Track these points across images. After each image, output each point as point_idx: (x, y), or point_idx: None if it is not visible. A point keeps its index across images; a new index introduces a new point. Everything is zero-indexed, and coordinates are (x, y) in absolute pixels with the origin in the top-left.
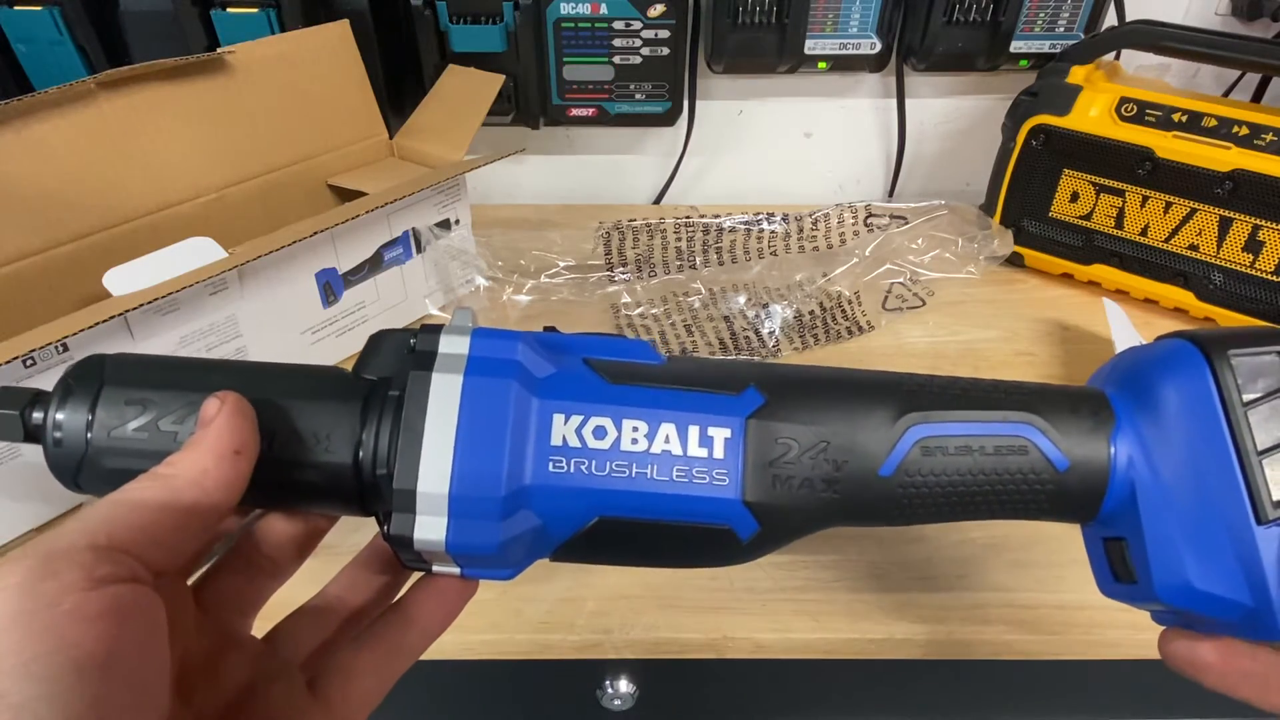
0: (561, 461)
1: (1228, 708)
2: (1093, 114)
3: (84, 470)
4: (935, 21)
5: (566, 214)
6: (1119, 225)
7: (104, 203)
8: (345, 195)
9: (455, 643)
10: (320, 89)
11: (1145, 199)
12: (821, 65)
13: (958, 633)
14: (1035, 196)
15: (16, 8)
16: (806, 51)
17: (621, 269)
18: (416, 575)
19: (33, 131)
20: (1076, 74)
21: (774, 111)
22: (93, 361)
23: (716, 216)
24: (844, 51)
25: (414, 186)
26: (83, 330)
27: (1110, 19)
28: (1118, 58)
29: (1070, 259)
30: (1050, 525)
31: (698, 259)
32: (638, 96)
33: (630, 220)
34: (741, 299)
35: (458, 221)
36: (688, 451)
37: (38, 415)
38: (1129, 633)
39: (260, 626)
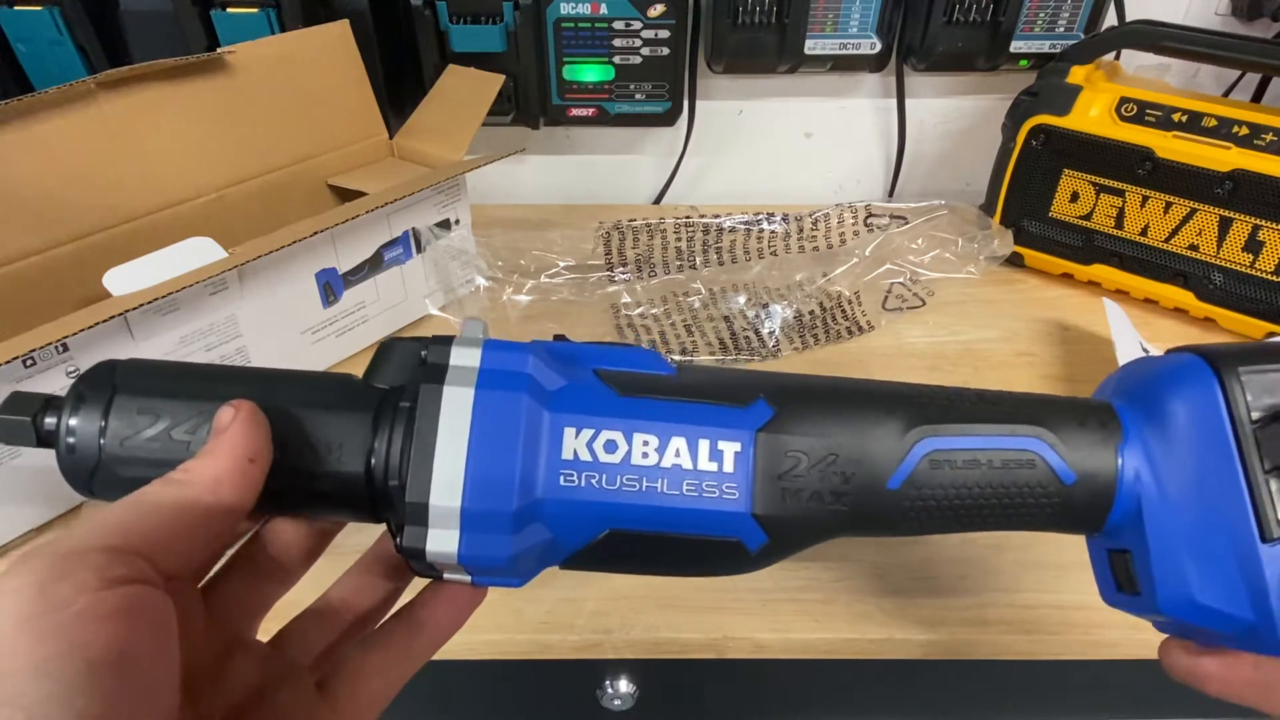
0: (573, 475)
1: (1228, 708)
2: (1093, 114)
3: (97, 477)
4: (935, 21)
5: (566, 214)
6: (1119, 225)
7: (104, 203)
8: (345, 195)
9: (456, 642)
10: (320, 89)
11: (1145, 199)
12: (822, 66)
13: (958, 633)
14: (1035, 196)
15: (16, 8)
16: (806, 51)
17: (621, 269)
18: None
19: (33, 131)
20: (1076, 74)
21: (774, 111)
22: (104, 368)
23: (716, 216)
24: (844, 51)
25: (414, 186)
26: (83, 330)
27: (1110, 19)
28: (1118, 58)
29: (1070, 259)
30: None
31: (698, 259)
32: (638, 96)
33: (630, 220)
34: (741, 299)
35: (458, 221)
36: (698, 465)
37: (50, 420)
38: (1129, 633)
39: (267, 628)
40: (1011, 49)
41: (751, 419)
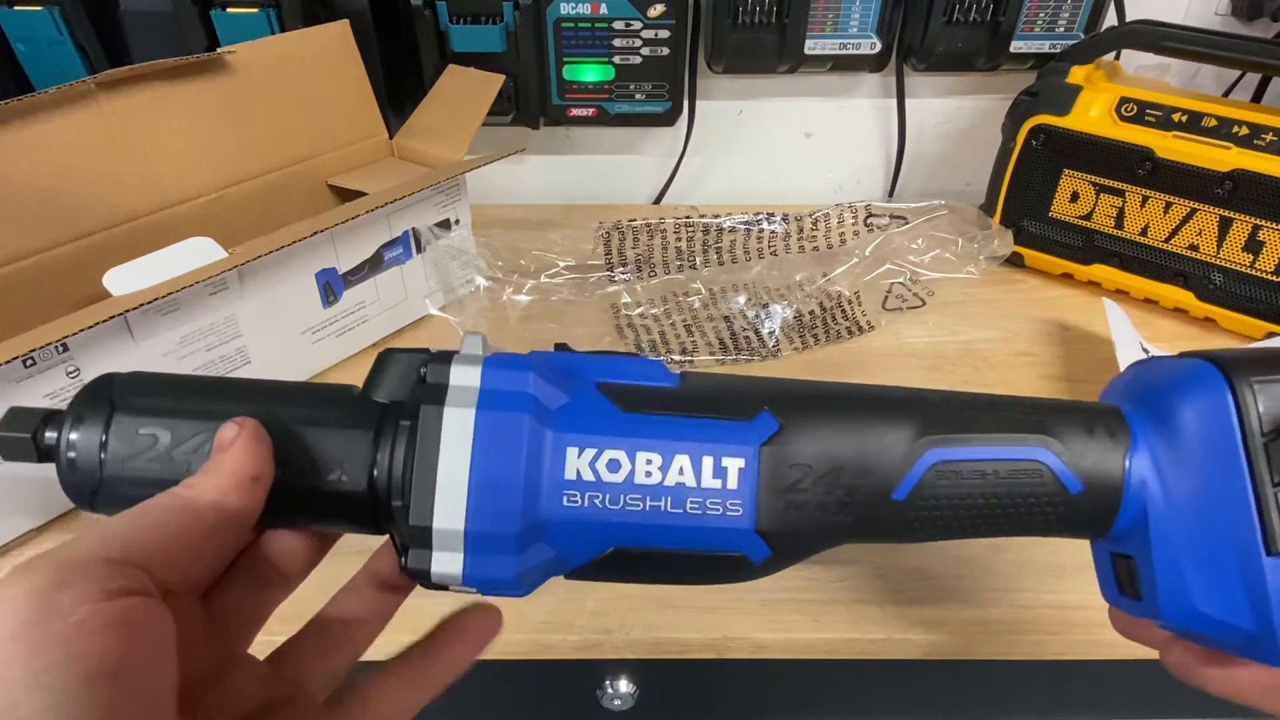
0: (576, 496)
1: (1228, 708)
2: (1093, 114)
3: (99, 495)
4: (935, 21)
5: (566, 214)
6: (1119, 225)
7: (104, 203)
8: (345, 195)
9: None
10: (320, 89)
11: (1145, 199)
12: (822, 66)
13: (958, 633)
14: (1035, 196)
15: (16, 8)
16: (806, 51)
17: (621, 269)
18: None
19: (33, 131)
20: (1076, 74)
21: (774, 111)
22: (102, 383)
23: (716, 216)
24: (844, 51)
25: (414, 186)
26: (83, 330)
27: (1110, 19)
28: (1118, 58)
29: (1070, 259)
30: None
31: (698, 259)
32: (638, 96)
33: (630, 220)
34: (741, 299)
35: (458, 221)
36: (701, 483)
37: (50, 435)
38: None
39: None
40: (1011, 49)
41: (755, 433)
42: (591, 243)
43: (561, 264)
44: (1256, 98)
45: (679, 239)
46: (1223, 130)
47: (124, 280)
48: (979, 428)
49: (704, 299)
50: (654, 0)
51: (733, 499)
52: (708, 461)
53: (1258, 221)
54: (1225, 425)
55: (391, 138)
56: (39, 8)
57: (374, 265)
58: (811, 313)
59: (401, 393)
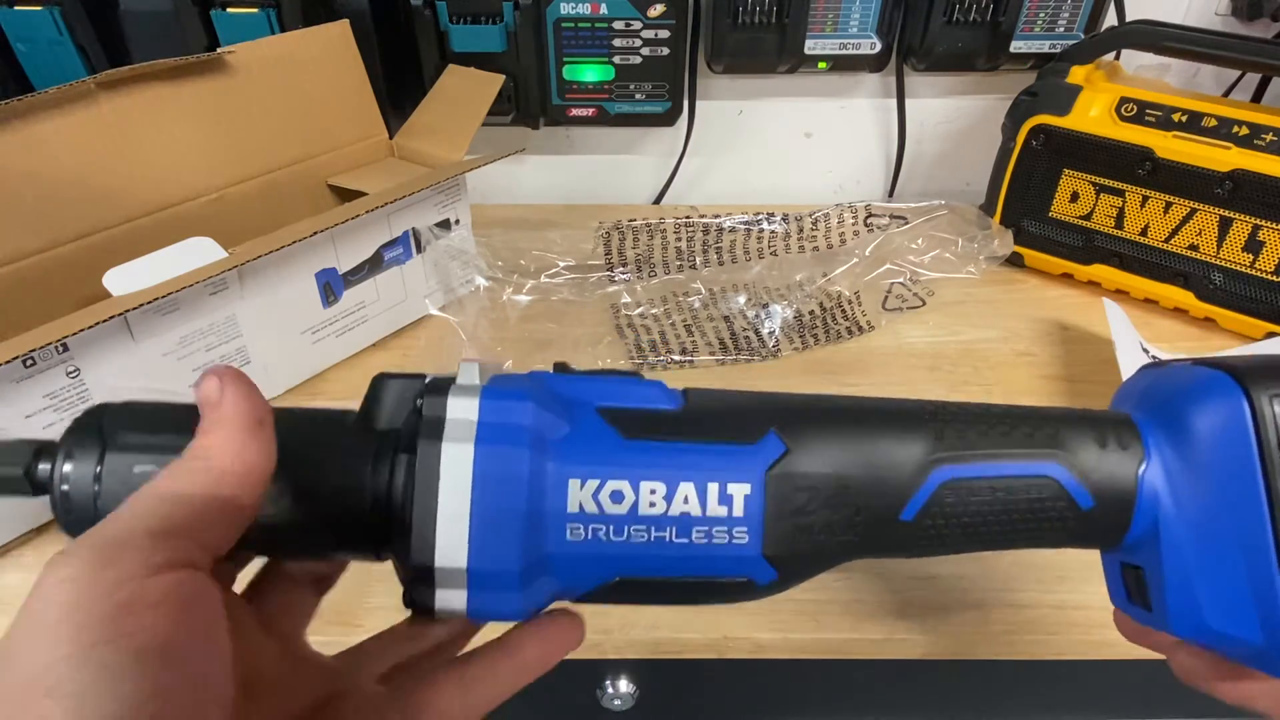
0: (579, 529)
1: (1228, 708)
2: (1093, 114)
3: None
4: (935, 21)
5: (566, 214)
6: (1119, 225)
7: (104, 203)
8: (345, 195)
9: None
10: (320, 89)
11: (1145, 199)
12: (822, 65)
13: (958, 633)
14: (1035, 196)
15: (16, 8)
16: (806, 51)
17: (621, 269)
18: None
19: (33, 131)
20: (1076, 74)
21: (774, 111)
22: (93, 418)
23: (716, 216)
24: (844, 51)
25: (414, 186)
26: (83, 330)
27: (1110, 19)
28: (1118, 58)
29: (1070, 259)
30: None
31: (698, 259)
32: (638, 96)
33: (630, 220)
34: (741, 299)
35: (458, 221)
36: (707, 511)
37: (44, 468)
38: None
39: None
40: (1011, 49)
41: (762, 458)
42: (591, 243)
43: (561, 264)
44: (1256, 98)
45: (679, 239)
46: (1223, 130)
47: (124, 280)
48: (989, 444)
49: (704, 299)
50: (654, 0)
51: (739, 526)
52: (713, 489)
53: (1258, 221)
54: (1242, 438)
55: (391, 138)
56: (39, 8)
57: (374, 265)
58: (811, 313)
59: (398, 420)
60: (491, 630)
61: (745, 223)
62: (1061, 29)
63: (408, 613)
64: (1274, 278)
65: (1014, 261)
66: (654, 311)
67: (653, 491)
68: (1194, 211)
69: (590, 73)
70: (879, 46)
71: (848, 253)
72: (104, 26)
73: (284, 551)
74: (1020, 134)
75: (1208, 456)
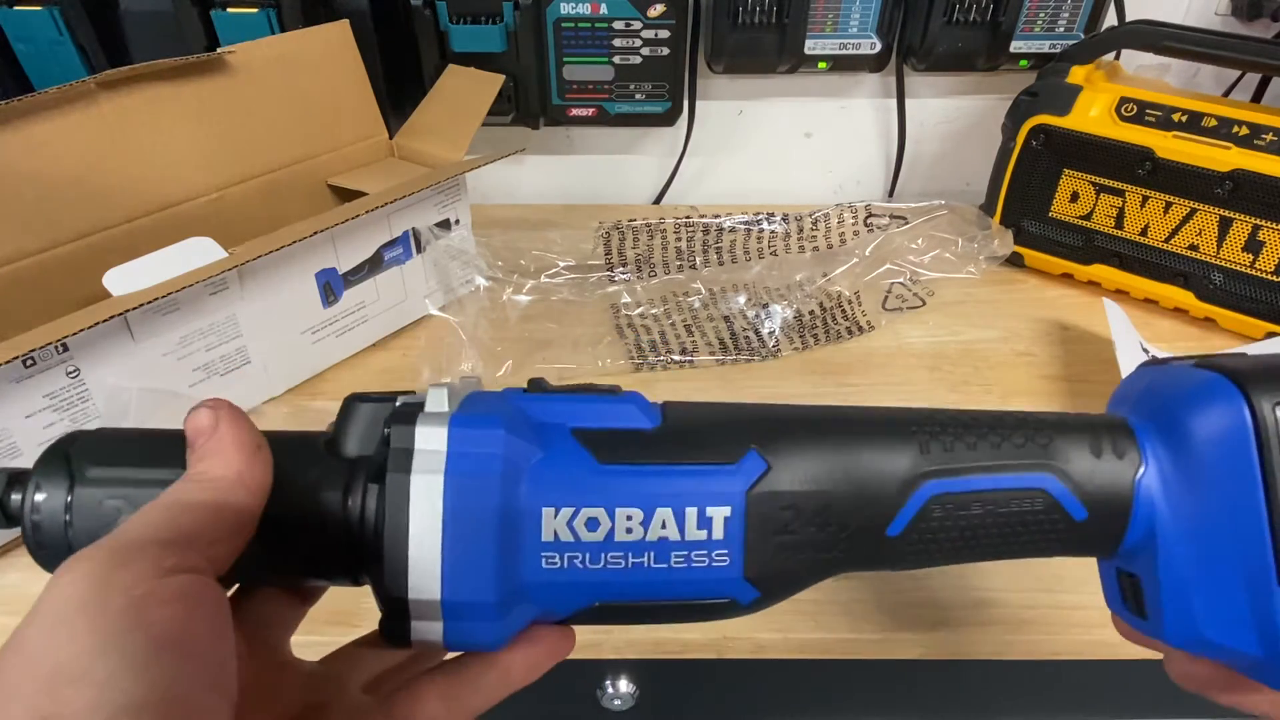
0: (555, 558)
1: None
2: (1093, 114)
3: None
4: (935, 21)
5: (566, 214)
6: (1119, 225)
7: (104, 203)
8: (345, 195)
9: None
10: (320, 89)
11: (1145, 199)
12: (822, 65)
13: (958, 633)
14: (1035, 196)
15: (16, 8)
16: (806, 51)
17: (621, 269)
18: None
19: (33, 131)
20: (1076, 74)
21: (774, 111)
22: (60, 451)
23: (716, 216)
24: (844, 51)
25: (414, 186)
26: (83, 330)
27: (1110, 19)
28: (1118, 58)
29: (1070, 259)
30: None
31: (698, 259)
32: (638, 96)
33: (630, 220)
34: (741, 299)
35: (458, 221)
36: (686, 535)
37: (15, 498)
38: None
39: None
40: (1011, 49)
41: (742, 478)
42: (591, 243)
43: (561, 264)
44: (1256, 98)
45: (679, 239)
46: (1223, 130)
47: (124, 280)
48: (978, 456)
49: (704, 299)
50: (654, 0)
51: (719, 549)
52: (691, 513)
53: (1258, 221)
54: (1242, 446)
55: (391, 138)
56: (39, 8)
57: (374, 265)
58: (811, 313)
59: (369, 445)
60: None
61: (745, 223)
62: (1061, 29)
63: None
64: (1274, 278)
65: (1014, 261)
66: (654, 311)
67: (629, 518)
68: (1194, 211)
69: (590, 73)
70: (879, 46)
71: (848, 253)
72: (104, 26)
73: (258, 579)
74: (1020, 134)
75: (1206, 464)
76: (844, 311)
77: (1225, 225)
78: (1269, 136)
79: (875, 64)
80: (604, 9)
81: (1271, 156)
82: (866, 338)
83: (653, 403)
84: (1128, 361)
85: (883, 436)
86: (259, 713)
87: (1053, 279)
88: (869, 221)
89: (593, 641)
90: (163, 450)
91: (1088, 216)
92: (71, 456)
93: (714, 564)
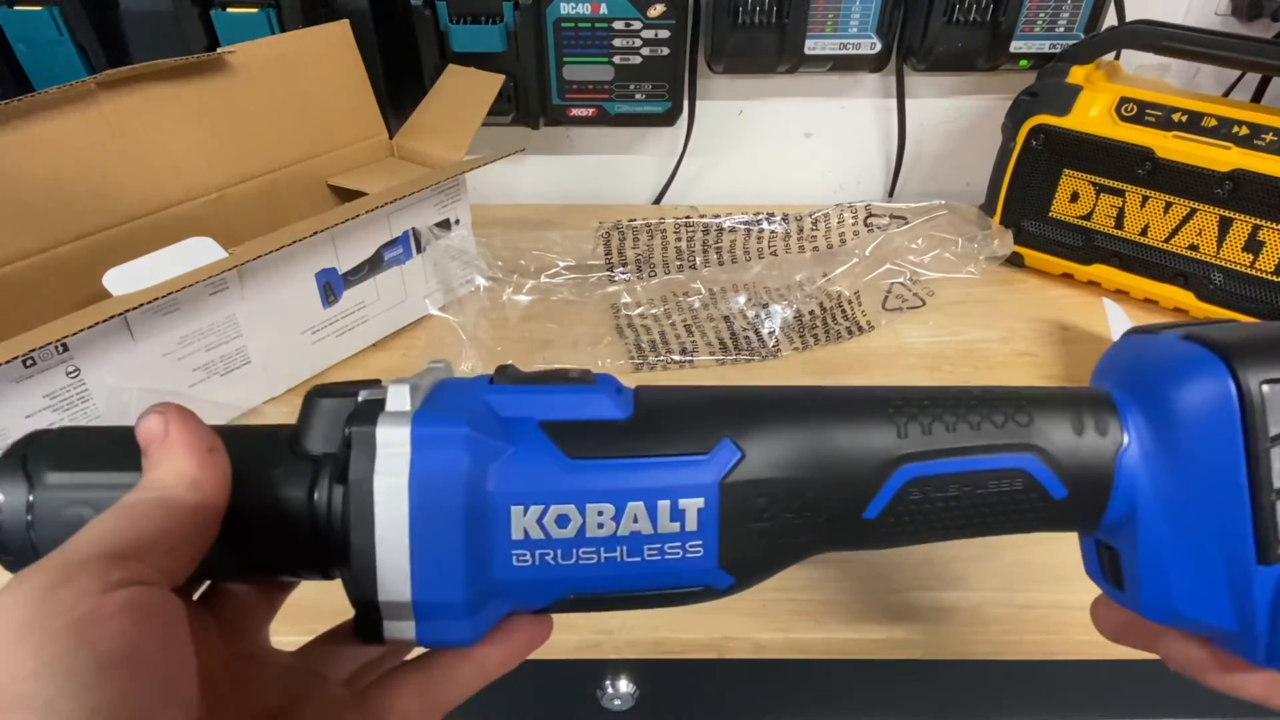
0: (525, 555)
1: (1228, 708)
2: (1093, 114)
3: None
4: (935, 21)
5: (566, 214)
6: (1119, 225)
7: (104, 203)
8: (345, 195)
9: None
10: (320, 89)
11: (1145, 199)
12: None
13: (958, 633)
14: (1035, 196)
15: (16, 8)
16: (806, 51)
17: (621, 269)
18: None
19: (33, 131)
20: (1076, 74)
21: (774, 111)
22: (15, 456)
23: (716, 216)
24: (844, 51)
25: (414, 186)
26: (83, 330)
27: (1110, 19)
28: (1118, 58)
29: (1070, 259)
30: None
31: (698, 259)
32: (638, 96)
33: (630, 220)
34: (741, 299)
35: (458, 221)
36: (658, 528)
37: None
38: None
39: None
40: (1011, 49)
41: (715, 467)
42: (591, 243)
43: (561, 264)
44: (1256, 98)
45: (679, 239)
46: (1223, 130)
47: (124, 280)
48: (956, 438)
49: (704, 299)
50: (654, 0)
51: (693, 540)
52: (664, 506)
53: (1258, 221)
54: (1227, 424)
55: (391, 138)
56: (39, 8)
57: (374, 265)
58: (811, 313)
59: (332, 443)
60: None
61: (745, 223)
62: (1061, 29)
63: None
64: (1274, 278)
65: (1014, 261)
66: (654, 311)
67: (600, 513)
68: (1194, 211)
69: (590, 73)
70: (879, 46)
71: (848, 253)
72: (104, 26)
73: (228, 575)
74: (1020, 134)
75: (1190, 441)
76: (844, 311)
77: (1225, 225)
78: (1269, 136)
79: (875, 64)
80: (604, 9)
81: (1271, 156)
82: (866, 338)
83: (625, 388)
84: None
85: (859, 419)
86: (237, 707)
87: (1053, 279)
88: (869, 221)
89: (593, 641)
90: (128, 452)
91: (1088, 216)
92: (29, 459)
93: (688, 555)
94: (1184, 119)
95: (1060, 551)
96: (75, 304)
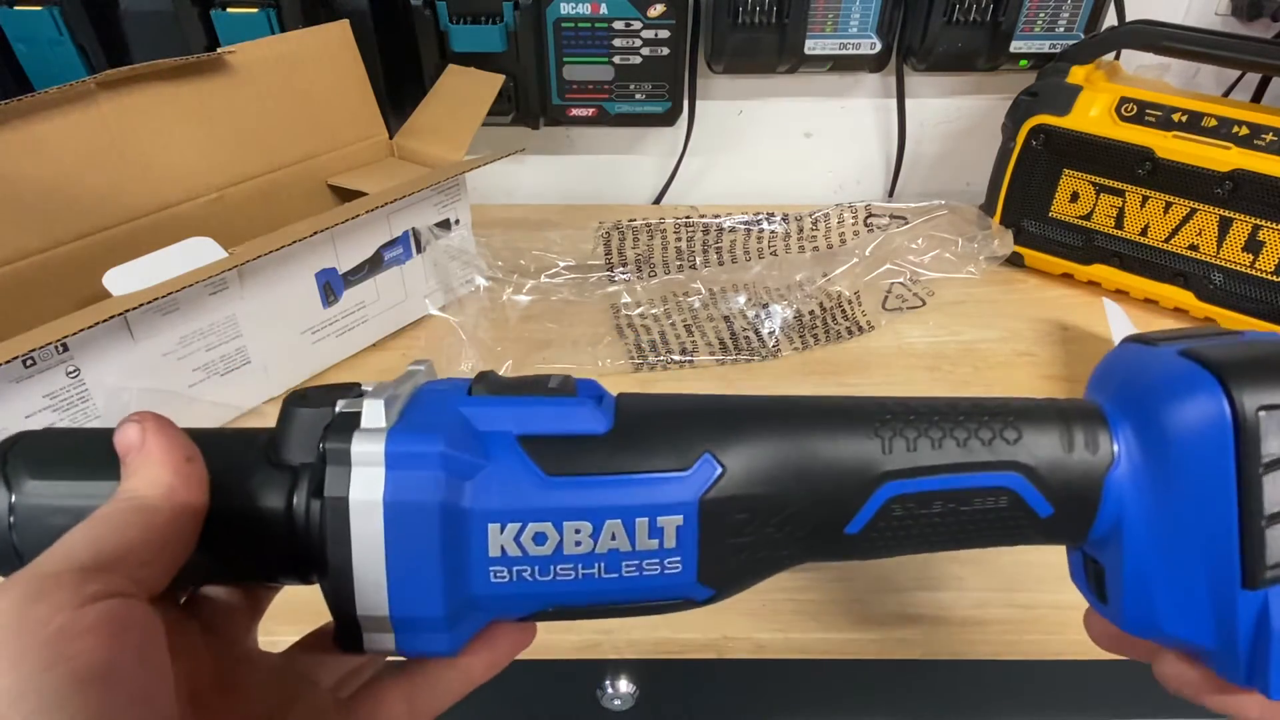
0: (503, 572)
1: None
2: (1093, 114)
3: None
4: (935, 21)
5: (566, 214)
6: (1119, 225)
7: (104, 203)
8: (345, 195)
9: None
10: (320, 89)
11: (1145, 199)
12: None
13: (958, 633)
14: (1035, 196)
15: (16, 8)
16: (806, 51)
17: (621, 269)
18: None
19: (33, 131)
20: (1076, 74)
21: (774, 111)
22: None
23: (716, 216)
24: (844, 51)
25: (414, 186)
26: (83, 330)
27: (1110, 19)
28: (1118, 58)
29: (1070, 259)
30: None
31: (698, 259)
32: (638, 96)
33: (630, 220)
34: (741, 299)
35: (458, 221)
36: (636, 546)
37: None
38: None
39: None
40: (1011, 49)
41: (695, 484)
42: (591, 243)
43: (561, 264)
44: (1256, 98)
45: (679, 239)
46: (1223, 130)
47: (124, 280)
48: (941, 455)
49: (704, 299)
50: (654, 0)
51: (671, 557)
52: (642, 523)
53: (1258, 221)
54: (1219, 447)
55: (391, 138)
56: (39, 8)
57: (374, 265)
58: (811, 313)
59: (309, 453)
60: None
61: (745, 223)
62: (1061, 29)
63: None
64: (1274, 278)
65: (1014, 261)
66: (654, 311)
67: (577, 531)
68: (1194, 211)
69: (590, 73)
70: (879, 46)
71: (848, 253)
72: (104, 26)
73: (209, 581)
74: (1020, 134)
75: (1181, 462)
76: (844, 311)
77: (1225, 225)
78: (1269, 136)
79: (875, 64)
80: (604, 9)
81: (1271, 156)
82: (866, 338)
83: (608, 396)
84: None
85: (843, 433)
86: (225, 713)
87: (1053, 279)
88: (869, 221)
89: (593, 641)
90: (110, 459)
91: (1088, 216)
92: (9, 463)
93: (667, 570)
94: (1184, 119)
95: (1059, 552)
96: (75, 304)
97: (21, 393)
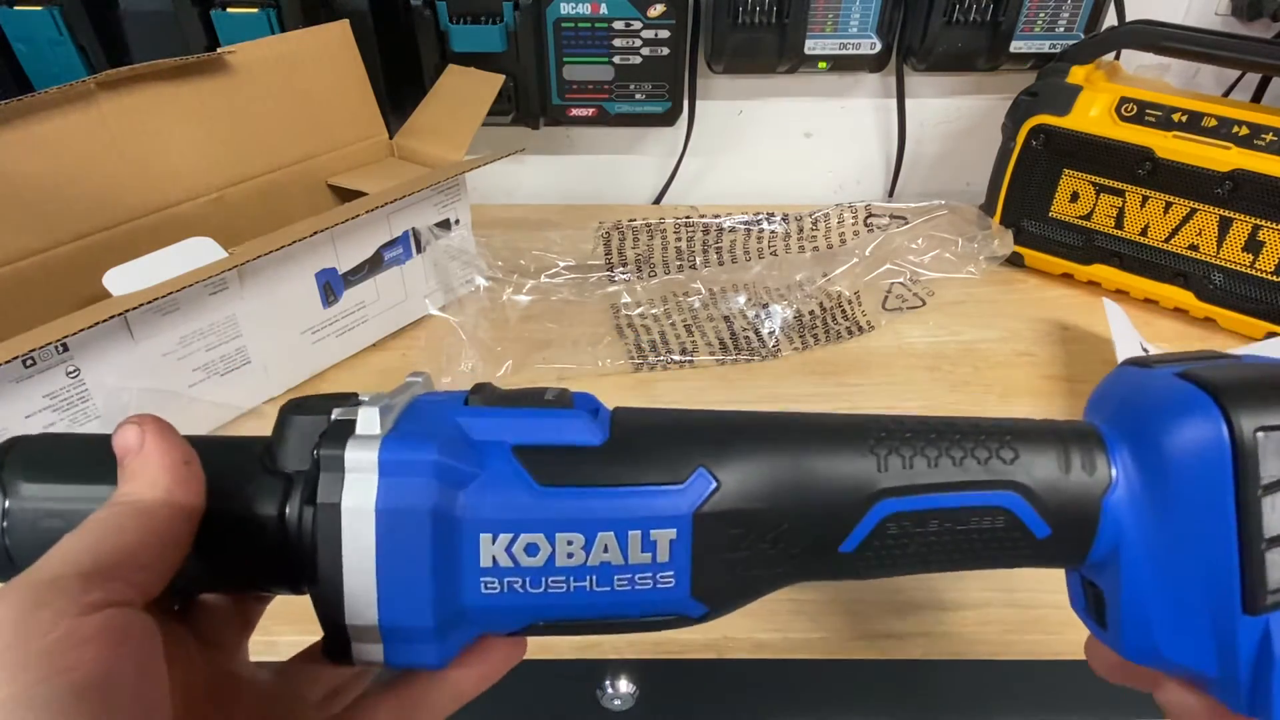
0: (494, 583)
1: None
2: (1093, 114)
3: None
4: (935, 21)
5: (566, 214)
6: (1119, 225)
7: (104, 203)
8: (345, 195)
9: None
10: (320, 89)
11: (1145, 199)
12: (822, 65)
13: (958, 633)
14: (1035, 196)
15: (16, 8)
16: (806, 51)
17: (621, 269)
18: None
19: (33, 131)
20: (1076, 74)
21: (774, 111)
22: None
23: (716, 216)
24: (844, 51)
25: (414, 186)
26: (83, 330)
27: (1110, 19)
28: (1118, 58)
29: (1070, 259)
30: None
31: (698, 259)
32: (638, 96)
33: (630, 220)
34: (741, 299)
35: (458, 221)
36: (629, 559)
37: None
38: None
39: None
40: (1011, 49)
41: (689, 498)
42: (591, 243)
43: (561, 264)
44: (1256, 98)
45: (679, 239)
46: (1223, 130)
47: (124, 280)
48: (938, 474)
49: (704, 299)
50: (654, 0)
51: (664, 571)
52: (635, 536)
53: (1258, 221)
54: (1218, 471)
55: (391, 138)
56: (39, 8)
57: (374, 265)
58: (811, 313)
59: (304, 460)
60: None
61: (745, 223)
62: (1061, 29)
63: None
64: (1274, 278)
65: (1014, 261)
66: (654, 311)
67: (570, 543)
68: (1194, 211)
69: (590, 73)
70: (879, 46)
71: (848, 253)
72: (104, 26)
73: (201, 589)
74: (1020, 134)
75: (1179, 485)
76: (844, 311)
77: (1225, 225)
78: (1269, 136)
79: (875, 64)
80: (604, 9)
81: (1271, 156)
82: (866, 338)
83: (604, 408)
84: None
85: (839, 450)
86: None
87: (1053, 279)
88: (869, 221)
89: (592, 641)
90: (106, 462)
91: (1088, 216)
92: (4, 466)
93: (659, 585)
94: (1184, 119)
95: None
96: (75, 304)
97: (21, 393)
